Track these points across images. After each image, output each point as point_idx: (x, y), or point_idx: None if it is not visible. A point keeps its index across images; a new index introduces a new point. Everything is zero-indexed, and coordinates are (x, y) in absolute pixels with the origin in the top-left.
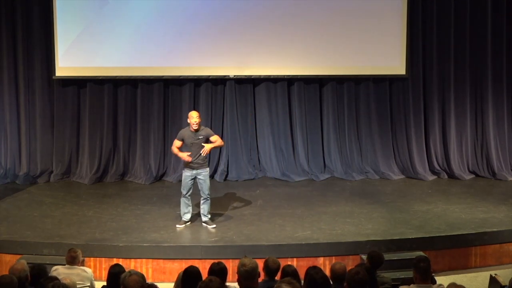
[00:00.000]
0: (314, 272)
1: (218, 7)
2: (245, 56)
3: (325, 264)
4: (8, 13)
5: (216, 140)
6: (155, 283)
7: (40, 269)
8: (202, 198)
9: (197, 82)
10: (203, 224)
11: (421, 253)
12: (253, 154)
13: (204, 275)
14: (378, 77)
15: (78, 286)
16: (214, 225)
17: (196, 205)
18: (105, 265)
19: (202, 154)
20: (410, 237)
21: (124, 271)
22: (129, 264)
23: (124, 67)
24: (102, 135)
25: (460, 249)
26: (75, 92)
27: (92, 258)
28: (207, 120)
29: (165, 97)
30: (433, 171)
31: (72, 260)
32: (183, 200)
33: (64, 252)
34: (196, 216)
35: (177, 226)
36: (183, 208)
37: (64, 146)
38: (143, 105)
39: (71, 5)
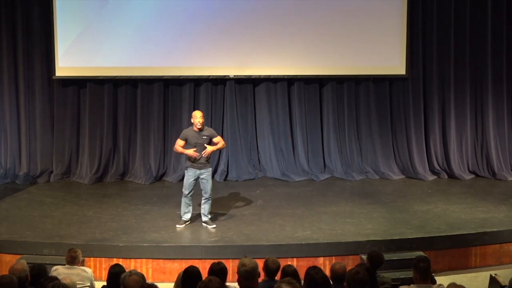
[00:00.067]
0: (314, 272)
1: (218, 7)
2: (245, 56)
3: (325, 264)
4: (8, 13)
5: (218, 141)
6: (155, 283)
7: (40, 269)
8: (203, 198)
9: (197, 82)
10: (203, 224)
11: (421, 253)
12: (253, 154)
13: (204, 275)
14: (378, 77)
15: (78, 286)
16: (214, 225)
17: (197, 205)
18: (105, 265)
19: (202, 155)
20: (410, 237)
21: (124, 271)
22: (129, 264)
23: (124, 67)
24: (102, 135)
25: (460, 249)
26: (75, 92)
27: (92, 258)
28: (207, 120)
29: (165, 97)
30: (433, 171)
31: (72, 260)
32: (184, 200)
33: (64, 252)
34: (196, 216)
35: (177, 226)
36: (183, 208)
37: (64, 146)
38: (143, 105)
39: (71, 5)
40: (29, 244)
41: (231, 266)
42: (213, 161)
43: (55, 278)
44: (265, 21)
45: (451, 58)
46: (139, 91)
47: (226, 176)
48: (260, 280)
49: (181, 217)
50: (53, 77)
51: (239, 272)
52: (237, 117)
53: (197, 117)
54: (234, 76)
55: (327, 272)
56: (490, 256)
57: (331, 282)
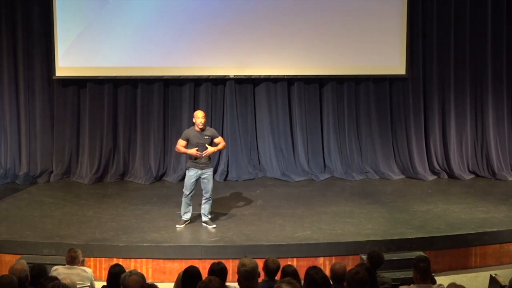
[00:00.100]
0: (314, 272)
1: (218, 7)
2: (245, 56)
3: (325, 264)
4: (8, 13)
5: (219, 142)
6: (155, 283)
7: (40, 269)
8: (204, 198)
9: (197, 82)
10: (203, 224)
11: (421, 253)
12: (253, 154)
13: (204, 275)
14: (378, 77)
15: (78, 286)
16: (214, 225)
17: (197, 205)
18: (105, 265)
19: (202, 155)
20: (410, 237)
21: (124, 271)
22: (129, 264)
23: (124, 67)
24: (102, 135)
25: (460, 249)
26: (75, 92)
27: (92, 258)
28: (207, 120)
29: (165, 97)
30: (433, 171)
31: (72, 260)
32: (184, 201)
33: (64, 252)
34: (196, 216)
35: (177, 226)
36: (183, 208)
37: (64, 146)
38: (143, 105)
39: (71, 5)
40: (29, 244)
41: (231, 266)
42: (213, 161)
43: (55, 278)
44: (265, 21)
45: (451, 58)
46: (139, 91)
47: (226, 176)
48: (260, 280)
49: (181, 217)
50: (53, 77)
51: (239, 272)
52: (237, 117)
53: (199, 117)
54: (234, 76)
55: (327, 272)
56: (490, 256)
57: (331, 282)
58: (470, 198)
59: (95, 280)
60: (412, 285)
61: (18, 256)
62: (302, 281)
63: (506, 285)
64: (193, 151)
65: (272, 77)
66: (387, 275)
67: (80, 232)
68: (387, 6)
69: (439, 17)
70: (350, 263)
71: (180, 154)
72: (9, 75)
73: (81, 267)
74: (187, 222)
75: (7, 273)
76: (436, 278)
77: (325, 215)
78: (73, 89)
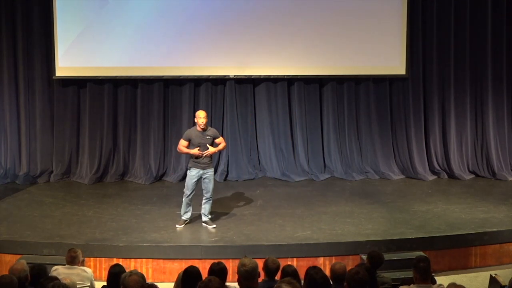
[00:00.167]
0: (314, 272)
1: (218, 7)
2: (245, 56)
3: (325, 264)
4: (8, 13)
5: (220, 142)
6: (155, 283)
7: (40, 269)
8: (204, 198)
9: (197, 82)
10: (203, 224)
11: (421, 253)
12: (253, 154)
13: (204, 275)
14: (378, 77)
15: (78, 286)
16: (214, 225)
17: (197, 205)
18: (105, 265)
19: (202, 155)
20: (410, 237)
21: (124, 271)
22: (129, 264)
23: (124, 67)
24: (102, 135)
25: (460, 249)
26: (75, 92)
27: (92, 258)
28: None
29: (165, 97)
30: (433, 171)
31: (72, 260)
32: (185, 201)
33: (64, 252)
34: (196, 216)
35: (177, 226)
36: (184, 208)
37: (64, 146)
38: (143, 105)
39: (71, 5)
40: (29, 244)
41: (231, 266)
42: (213, 161)
43: (55, 278)
44: (265, 21)
45: (451, 58)
46: (139, 91)
47: (226, 176)
48: (260, 280)
49: (181, 216)
50: (53, 77)
51: (239, 272)
52: (237, 117)
53: (201, 117)
54: (234, 76)
55: (327, 272)
56: (490, 256)
57: (331, 282)
58: (470, 198)
59: (95, 280)
60: (412, 285)
61: (18, 256)
62: (302, 281)
63: (506, 285)
64: (195, 151)
65: (272, 77)
66: (387, 275)
67: (80, 232)
68: (387, 6)
69: (439, 17)
70: (350, 263)
71: (182, 154)
72: (9, 75)
73: (81, 267)
74: (186, 222)
75: (7, 273)
76: (436, 278)
77: (325, 215)
78: (73, 89)
